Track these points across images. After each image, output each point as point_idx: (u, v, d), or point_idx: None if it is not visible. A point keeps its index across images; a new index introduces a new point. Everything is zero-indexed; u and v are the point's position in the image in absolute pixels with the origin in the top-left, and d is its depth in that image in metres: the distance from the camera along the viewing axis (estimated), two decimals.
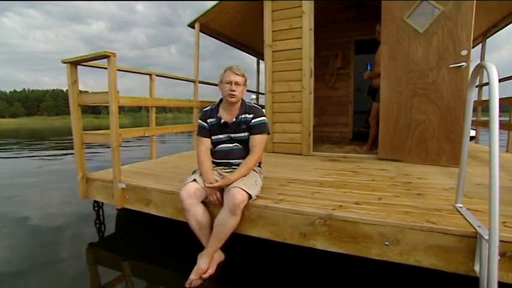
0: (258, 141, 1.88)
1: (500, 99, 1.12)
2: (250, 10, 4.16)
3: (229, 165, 1.94)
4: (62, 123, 40.05)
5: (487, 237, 1.15)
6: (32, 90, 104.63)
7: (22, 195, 3.72)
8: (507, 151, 3.80)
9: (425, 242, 1.37)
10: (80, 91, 2.52)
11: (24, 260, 1.99)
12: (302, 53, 3.52)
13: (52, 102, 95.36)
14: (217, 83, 1.97)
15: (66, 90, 2.48)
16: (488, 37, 4.77)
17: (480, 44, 4.90)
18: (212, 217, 1.80)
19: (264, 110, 2.38)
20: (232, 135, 1.93)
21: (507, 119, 3.76)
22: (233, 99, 1.86)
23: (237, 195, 1.64)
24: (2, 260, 2.03)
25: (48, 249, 2.18)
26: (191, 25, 4.20)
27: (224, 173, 1.79)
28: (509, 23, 4.17)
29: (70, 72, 2.38)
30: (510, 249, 1.23)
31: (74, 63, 2.40)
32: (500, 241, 1.08)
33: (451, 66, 2.61)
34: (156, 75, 3.52)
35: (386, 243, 1.44)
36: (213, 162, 1.96)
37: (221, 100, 1.98)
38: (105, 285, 1.79)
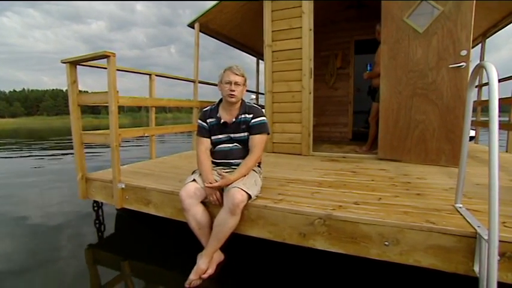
0: (257, 141, 1.88)
1: (499, 99, 1.12)
2: (250, 10, 4.16)
3: (229, 165, 1.94)
4: (62, 123, 40.03)
5: (486, 238, 1.15)
6: (32, 90, 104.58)
7: (21, 194, 3.71)
8: (507, 151, 3.80)
9: (425, 242, 1.37)
10: (80, 91, 2.52)
11: (23, 260, 1.99)
12: (302, 53, 3.52)
13: (51, 102, 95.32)
14: (216, 83, 1.96)
15: (66, 90, 2.48)
16: (488, 37, 4.78)
17: (480, 44, 4.91)
18: (212, 217, 1.80)
19: (263, 110, 2.38)
20: (232, 135, 1.93)
21: (507, 119, 3.77)
22: (233, 99, 1.85)
23: (237, 195, 1.64)
24: (1, 259, 2.03)
25: (47, 249, 2.17)
26: (191, 25, 4.20)
27: (224, 173, 1.79)
28: (509, 23, 4.17)
29: (69, 72, 2.38)
30: (510, 249, 1.23)
31: (74, 63, 2.40)
32: (499, 241, 1.08)
33: (451, 66, 2.61)
34: (156, 75, 3.52)
35: (385, 243, 1.44)
36: (213, 162, 1.96)
37: (221, 100, 1.98)
38: (105, 285, 1.78)
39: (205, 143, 1.97)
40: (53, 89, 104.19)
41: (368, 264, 1.62)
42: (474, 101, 1.55)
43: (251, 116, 1.89)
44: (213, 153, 1.99)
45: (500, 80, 2.69)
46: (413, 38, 2.78)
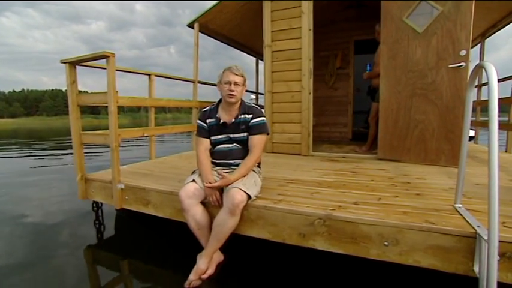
0: (257, 141, 1.88)
1: (499, 99, 1.12)
2: (249, 10, 4.16)
3: (229, 165, 1.94)
4: (61, 123, 40.03)
5: (486, 238, 1.15)
6: (31, 90, 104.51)
7: (22, 194, 3.72)
8: (506, 151, 3.80)
9: (425, 242, 1.37)
10: (79, 91, 2.51)
11: (20, 264, 1.98)
12: (301, 53, 3.52)
13: (51, 103, 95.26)
14: (216, 83, 1.96)
15: (65, 91, 2.48)
16: (487, 37, 4.78)
17: (479, 44, 4.91)
18: (211, 217, 1.80)
19: (263, 110, 2.38)
20: (232, 135, 1.93)
21: (506, 119, 3.77)
22: (232, 100, 1.85)
23: (236, 195, 1.64)
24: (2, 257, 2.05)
25: (47, 250, 2.17)
26: (190, 25, 4.20)
27: (224, 173, 1.78)
28: (508, 23, 4.17)
29: (69, 72, 2.38)
30: (509, 249, 1.23)
31: (73, 64, 2.39)
32: (499, 241, 1.08)
33: (450, 66, 2.61)
34: (155, 76, 3.52)
35: (385, 243, 1.44)
36: (213, 163, 1.95)
37: (220, 100, 1.98)
38: (105, 286, 1.78)
39: (205, 143, 1.97)
40: (53, 89, 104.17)
41: (368, 265, 1.62)
42: (474, 101, 1.55)
43: (251, 116, 1.89)
44: (213, 154, 1.98)
45: (499, 80, 2.70)
46: (413, 38, 2.78)
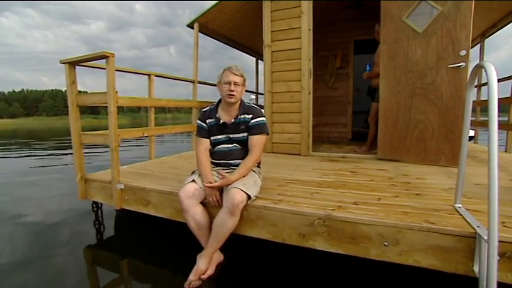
0: (257, 141, 1.88)
1: (499, 99, 1.12)
2: (249, 10, 4.16)
3: (229, 165, 1.94)
4: (61, 123, 40.03)
5: (486, 238, 1.15)
6: (31, 91, 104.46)
7: (22, 193, 3.72)
8: (506, 151, 3.80)
9: (424, 243, 1.37)
10: (79, 91, 2.51)
11: (19, 263, 1.98)
12: (301, 53, 3.51)
13: (51, 103, 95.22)
14: (216, 83, 1.96)
15: (65, 91, 2.48)
16: (487, 37, 4.78)
17: (479, 44, 4.91)
18: (211, 218, 1.80)
19: (263, 110, 2.37)
20: (231, 135, 1.93)
21: (506, 119, 3.77)
22: (232, 100, 1.85)
23: (236, 195, 1.64)
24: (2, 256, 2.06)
25: (46, 249, 2.16)
26: (190, 25, 4.20)
27: (224, 173, 1.78)
28: (508, 23, 4.18)
29: (68, 72, 2.38)
30: (509, 249, 1.23)
31: (73, 64, 2.39)
32: (499, 241, 1.08)
33: (450, 66, 2.61)
34: (155, 76, 3.52)
35: (385, 243, 1.44)
36: (212, 163, 1.95)
37: (220, 100, 1.98)
38: (104, 286, 1.78)
39: (205, 143, 1.96)
40: (52, 90, 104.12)
41: (367, 265, 1.62)
42: (473, 101, 1.54)
43: (250, 116, 1.89)
44: (213, 154, 1.98)
45: (499, 80, 2.69)
46: (413, 38, 2.78)
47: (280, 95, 3.73)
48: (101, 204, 2.73)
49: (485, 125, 4.28)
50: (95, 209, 2.74)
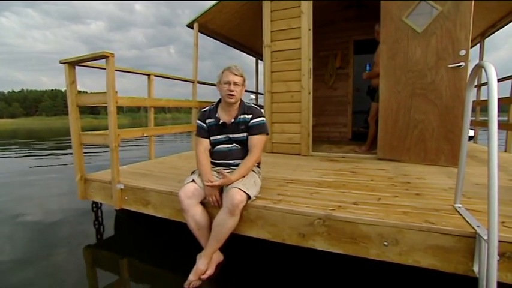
0: (256, 141, 1.87)
1: (498, 99, 1.12)
2: (249, 10, 4.16)
3: (228, 165, 1.94)
4: (61, 123, 40.04)
5: (486, 238, 1.15)
6: (30, 91, 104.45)
7: (22, 193, 3.73)
8: (505, 151, 3.80)
9: (424, 242, 1.37)
10: (79, 91, 2.51)
11: (19, 262, 1.98)
12: (301, 53, 3.51)
13: (50, 103, 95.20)
14: (215, 83, 1.96)
15: (65, 91, 2.48)
16: (487, 37, 4.78)
17: (479, 44, 4.91)
18: (211, 218, 1.80)
19: (262, 110, 2.37)
20: (231, 135, 1.93)
21: (505, 118, 3.77)
22: (232, 100, 1.85)
23: (236, 195, 1.64)
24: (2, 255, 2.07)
25: (46, 249, 2.16)
26: (190, 25, 4.20)
27: (225, 172, 1.77)
28: (508, 23, 4.18)
29: (68, 72, 2.38)
30: (509, 249, 1.23)
31: (72, 64, 2.39)
32: (499, 241, 1.08)
33: (450, 66, 2.61)
34: (155, 76, 3.52)
35: (385, 243, 1.44)
36: (212, 163, 1.95)
37: (220, 100, 1.97)
38: (104, 286, 1.78)
39: (205, 143, 1.96)
40: (52, 90, 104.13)
41: (367, 265, 1.62)
42: (473, 101, 1.54)
43: (250, 116, 1.89)
44: (212, 154, 1.98)
45: (499, 80, 2.70)
46: (412, 38, 2.78)
47: (280, 95, 3.73)
48: (101, 204, 2.73)
49: (484, 124, 4.29)
50: (94, 209, 2.73)
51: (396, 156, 3.01)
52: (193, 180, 1.82)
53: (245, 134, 1.91)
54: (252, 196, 1.73)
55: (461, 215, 1.48)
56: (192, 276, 1.63)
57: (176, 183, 2.18)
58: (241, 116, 1.90)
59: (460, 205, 1.59)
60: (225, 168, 1.93)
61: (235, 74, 1.83)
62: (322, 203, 1.73)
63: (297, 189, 2.05)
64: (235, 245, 1.84)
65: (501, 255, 1.23)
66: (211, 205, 1.81)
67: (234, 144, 1.94)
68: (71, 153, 2.72)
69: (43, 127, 30.37)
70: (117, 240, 2.41)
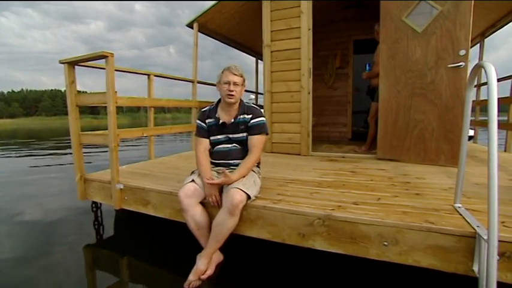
0: (256, 141, 1.87)
1: (498, 98, 1.12)
2: (248, 10, 4.16)
3: (228, 165, 1.93)
4: (61, 123, 40.05)
5: (486, 237, 1.15)
6: (30, 91, 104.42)
7: (22, 192, 3.74)
8: (505, 150, 3.80)
9: (424, 242, 1.37)
10: (78, 91, 2.51)
11: (19, 260, 1.98)
12: (301, 53, 3.51)
13: (50, 103, 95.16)
14: (215, 83, 1.96)
15: (65, 91, 2.47)
16: (487, 37, 4.79)
17: (478, 44, 4.91)
18: (211, 218, 1.80)
19: (262, 110, 2.37)
20: (231, 135, 1.93)
21: (505, 118, 3.77)
22: (231, 100, 1.85)
23: (236, 195, 1.64)
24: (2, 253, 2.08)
25: (45, 248, 2.16)
26: (190, 25, 4.19)
27: (226, 171, 1.76)
28: (507, 23, 4.18)
29: (68, 72, 2.37)
30: (509, 249, 1.23)
31: (72, 64, 2.39)
32: (499, 241, 1.08)
33: (450, 66, 2.61)
34: (155, 76, 3.52)
35: (385, 243, 1.44)
36: (212, 163, 1.95)
37: (219, 100, 1.97)
38: (103, 286, 1.78)
39: (204, 143, 1.96)
40: (52, 90, 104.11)
41: (367, 265, 1.62)
42: (473, 101, 1.54)
43: (250, 116, 1.89)
44: (212, 154, 1.98)
45: (499, 80, 2.70)
46: (412, 38, 2.78)
47: (280, 95, 3.73)
48: (100, 204, 2.73)
49: (484, 124, 4.29)
50: (94, 209, 2.73)
51: (396, 156, 3.01)
52: (193, 180, 1.82)
53: (245, 134, 1.90)
54: (251, 196, 1.72)
55: (461, 214, 1.48)
56: (191, 276, 1.63)
57: (176, 183, 2.18)
58: (241, 116, 1.89)
59: (459, 205, 1.59)
60: (224, 168, 1.93)
61: (235, 74, 1.83)
62: (322, 203, 1.73)
63: (296, 189, 2.05)
64: (235, 245, 1.83)
65: (501, 255, 1.23)
66: (211, 205, 1.81)
67: (234, 144, 1.94)
68: (71, 153, 2.72)
69: (43, 127, 30.36)
70: (116, 240, 2.41)
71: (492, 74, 1.13)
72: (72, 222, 2.72)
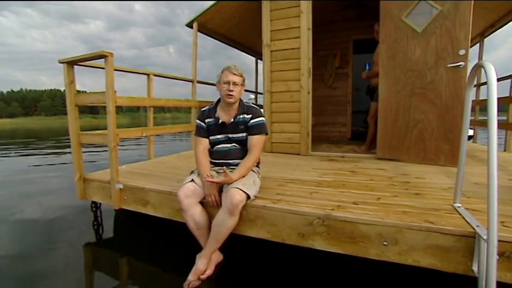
0: (256, 141, 1.87)
1: (498, 98, 1.12)
2: (248, 10, 4.15)
3: (228, 165, 1.93)
4: (60, 123, 40.05)
5: (485, 237, 1.15)
6: (30, 90, 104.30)
7: (22, 191, 3.74)
8: (504, 150, 3.81)
9: (424, 242, 1.37)
10: (78, 91, 2.50)
11: (18, 260, 1.98)
12: (300, 53, 3.51)
13: (50, 102, 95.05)
14: (215, 82, 1.95)
15: (64, 90, 2.47)
16: (486, 37, 4.79)
17: (478, 44, 4.91)
18: (210, 217, 1.80)
19: (262, 109, 2.37)
20: (230, 135, 1.92)
21: (505, 118, 3.77)
22: (231, 100, 1.84)
23: (236, 195, 1.63)
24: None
25: (45, 248, 2.16)
26: (189, 25, 4.19)
27: (227, 171, 1.74)
28: (507, 23, 4.18)
29: (67, 72, 2.37)
30: (508, 248, 1.23)
31: (71, 63, 2.38)
32: (498, 241, 1.08)
33: (449, 65, 2.61)
34: (154, 75, 3.51)
35: (384, 243, 1.44)
36: (211, 163, 1.95)
37: (219, 100, 1.97)
38: (103, 286, 1.78)
39: (204, 143, 1.96)
40: (51, 89, 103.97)
41: (367, 264, 1.62)
42: (473, 101, 1.54)
43: (250, 116, 1.89)
44: (212, 154, 1.98)
45: (498, 80, 2.70)
46: (412, 38, 2.78)
47: (280, 95, 3.72)
48: (100, 204, 2.72)
49: (484, 124, 4.29)
50: (93, 208, 2.73)
51: (395, 155, 3.01)
52: (192, 180, 1.82)
53: (244, 134, 1.90)
54: (251, 196, 1.72)
55: (460, 214, 1.48)
56: (191, 276, 1.63)
57: (175, 183, 2.18)
58: (241, 116, 1.89)
59: (459, 205, 1.59)
60: (225, 167, 1.93)
61: (235, 74, 1.83)
62: (322, 202, 1.73)
63: (296, 189, 2.04)
64: (235, 245, 1.83)
65: (500, 254, 1.22)
66: (210, 205, 1.81)
67: (234, 144, 1.94)
68: (70, 153, 2.72)
69: (42, 127, 30.34)
70: (116, 240, 2.41)
71: (492, 73, 1.13)
72: (72, 220, 2.72)
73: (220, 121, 1.91)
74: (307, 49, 3.48)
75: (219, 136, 1.94)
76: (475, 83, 4.55)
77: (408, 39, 2.80)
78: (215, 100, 2.01)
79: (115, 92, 2.23)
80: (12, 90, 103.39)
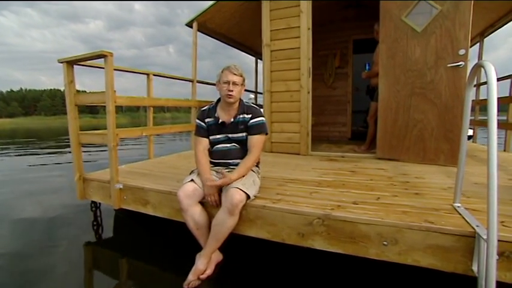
0: (256, 141, 1.87)
1: (498, 98, 1.12)
2: (248, 9, 4.15)
3: (227, 165, 1.93)
4: (60, 123, 39.98)
5: (485, 237, 1.15)
6: (29, 90, 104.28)
7: (22, 190, 3.75)
8: (504, 150, 3.81)
9: (424, 242, 1.37)
10: (78, 91, 2.50)
11: (18, 258, 1.98)
12: (300, 53, 3.51)
13: (49, 102, 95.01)
14: (215, 82, 1.95)
15: (64, 90, 2.47)
16: (486, 36, 4.79)
17: (478, 43, 4.91)
18: (210, 217, 1.79)
19: (262, 109, 2.37)
20: (230, 135, 1.92)
21: (505, 118, 3.77)
22: (231, 100, 1.84)
23: (235, 195, 1.63)
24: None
25: (44, 247, 2.16)
26: (189, 24, 4.19)
27: (225, 172, 1.76)
28: (507, 23, 4.18)
29: (67, 72, 2.37)
30: (508, 248, 1.23)
31: (71, 63, 2.38)
32: (498, 241, 1.08)
33: (449, 65, 2.61)
34: (154, 75, 3.51)
35: (384, 243, 1.44)
36: (211, 162, 1.95)
37: (219, 100, 1.97)
38: (102, 285, 1.78)
39: (204, 142, 1.96)
40: (51, 89, 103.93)
41: (367, 264, 1.62)
42: (472, 100, 1.54)
43: (249, 116, 1.88)
44: (211, 153, 1.98)
45: (498, 79, 2.70)
46: (412, 37, 2.78)
47: (280, 94, 3.72)
48: (100, 203, 2.72)
49: (484, 124, 4.29)
50: (93, 208, 2.72)
51: (395, 155, 3.01)
52: (192, 180, 1.82)
53: (244, 134, 1.90)
54: (251, 196, 1.72)
55: (460, 214, 1.48)
56: (191, 276, 1.63)
57: (175, 183, 2.18)
58: (241, 116, 1.89)
59: (459, 204, 1.59)
60: (224, 167, 1.93)
61: (235, 74, 1.82)
62: (322, 202, 1.73)
63: (296, 189, 2.04)
64: (235, 245, 1.83)
65: (500, 254, 1.23)
66: (210, 205, 1.80)
67: (233, 144, 1.93)
68: (70, 152, 2.73)
69: (42, 126, 30.33)
70: (116, 240, 2.40)
71: (492, 73, 1.13)
72: (72, 219, 2.72)
73: (220, 121, 1.91)
74: (307, 49, 3.48)
75: (218, 136, 1.94)
76: (475, 82, 4.55)
77: (408, 39, 2.80)
78: (215, 100, 2.01)
79: (115, 91, 2.23)
80: (12, 90, 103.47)
